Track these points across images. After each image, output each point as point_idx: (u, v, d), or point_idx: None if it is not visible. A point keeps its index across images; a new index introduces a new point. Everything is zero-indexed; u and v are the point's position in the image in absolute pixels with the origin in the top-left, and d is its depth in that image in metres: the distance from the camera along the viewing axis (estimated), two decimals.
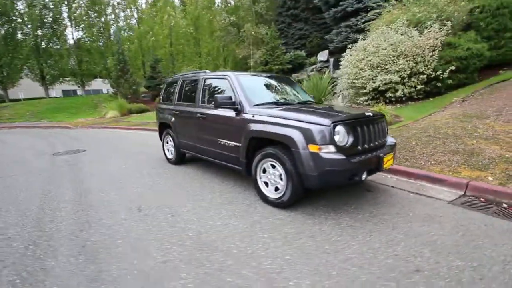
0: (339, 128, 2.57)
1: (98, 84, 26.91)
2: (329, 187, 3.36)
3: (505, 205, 2.95)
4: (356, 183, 3.01)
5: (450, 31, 7.80)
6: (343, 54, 10.16)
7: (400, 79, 7.88)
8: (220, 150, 3.68)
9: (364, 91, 8.62)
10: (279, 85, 4.01)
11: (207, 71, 4.36)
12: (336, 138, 2.54)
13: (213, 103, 3.76)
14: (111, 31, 23.37)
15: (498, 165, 3.59)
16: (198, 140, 4.13)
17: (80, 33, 24.16)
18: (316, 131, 2.55)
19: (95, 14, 23.20)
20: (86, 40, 23.88)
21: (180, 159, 4.93)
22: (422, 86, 7.78)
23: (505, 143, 4.20)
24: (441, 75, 7.55)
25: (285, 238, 2.38)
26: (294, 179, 2.72)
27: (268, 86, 3.78)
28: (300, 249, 2.21)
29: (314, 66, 17.69)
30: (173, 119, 4.73)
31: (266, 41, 17.97)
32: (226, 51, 22.78)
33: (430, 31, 7.90)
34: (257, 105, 3.31)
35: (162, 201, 3.31)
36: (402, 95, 8.02)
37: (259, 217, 2.78)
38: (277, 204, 2.95)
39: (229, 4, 22.44)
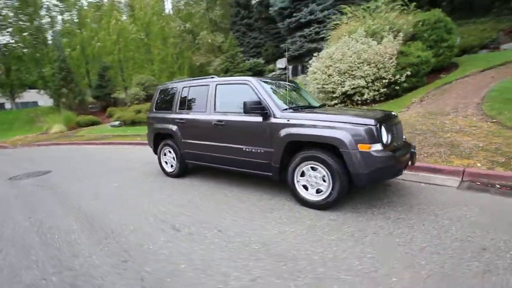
0: (383, 127, 2.75)
1: (31, 95, 23.19)
2: (374, 184, 3.51)
3: (498, 186, 3.51)
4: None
5: (401, 41, 8.95)
6: (310, 61, 10.75)
7: (366, 83, 8.71)
8: (246, 157, 3.55)
9: (334, 95, 9.26)
10: (291, 90, 4.07)
11: (215, 76, 4.19)
12: (383, 136, 2.71)
13: (232, 109, 3.67)
14: (48, 36, 20.51)
15: (479, 153, 4.24)
16: (212, 149, 3.91)
17: (7, 38, 20.59)
18: (365, 130, 2.67)
19: (26, 17, 20.02)
20: (15, 46, 20.44)
21: (183, 171, 4.59)
22: (384, 89, 8.73)
23: (473, 135, 4.98)
24: (399, 79, 8.59)
25: (352, 237, 2.42)
26: (342, 179, 2.79)
27: (282, 91, 3.80)
28: (375, 246, 2.27)
29: (273, 73, 18.34)
30: (174, 128, 4.39)
31: (226, 48, 17.99)
32: (182, 58, 22.08)
33: (387, 41, 8.93)
34: (286, 109, 3.32)
35: (194, 216, 3.04)
36: (368, 98, 8.87)
37: (311, 221, 2.77)
38: (320, 206, 2.98)
39: (181, 11, 21.88)
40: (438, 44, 9.61)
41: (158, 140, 4.85)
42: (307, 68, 16.29)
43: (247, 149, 3.50)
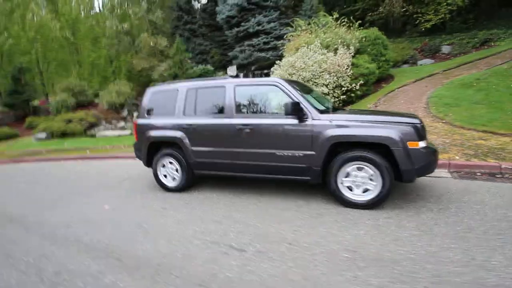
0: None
1: None
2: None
3: (479, 173, 4.21)
4: None
5: (352, 54, 10.06)
6: (272, 69, 11.04)
7: (328, 90, 9.42)
8: (279, 162, 3.35)
9: None
10: (310, 92, 4.02)
11: (227, 76, 3.86)
12: (426, 134, 2.94)
13: (259, 111, 3.45)
14: None
15: (451, 148, 5.02)
16: (235, 156, 3.56)
17: None
18: (414, 129, 2.85)
19: None
20: None
21: (189, 184, 4.05)
22: (343, 96, 9.60)
23: (435, 133, 5.88)
24: (354, 87, 9.59)
25: (422, 231, 2.52)
26: (391, 177, 2.90)
27: (306, 93, 3.75)
28: (447, 236, 2.40)
29: None
30: (180, 135, 3.84)
31: (173, 53, 16.98)
32: (117, 62, 19.87)
33: (341, 53, 9.89)
34: (322, 110, 3.29)
35: (245, 232, 2.69)
36: None
37: (370, 221, 2.77)
38: (367, 205, 3.03)
39: (115, 9, 19.77)
40: (378, 57, 11.14)
41: (153, 150, 4.17)
42: (263, 76, 16.71)
43: (282, 154, 3.31)
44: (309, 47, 10.36)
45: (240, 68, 19.40)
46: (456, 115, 6.52)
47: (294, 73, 9.88)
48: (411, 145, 2.82)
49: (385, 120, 2.98)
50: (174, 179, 4.11)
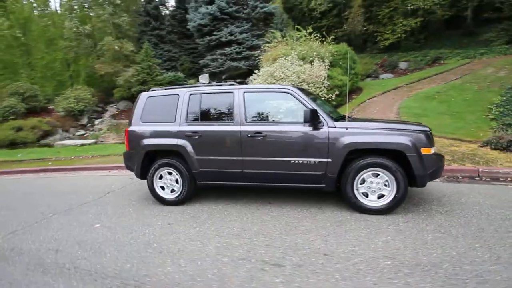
0: None
1: None
2: None
3: (460, 177, 4.61)
4: None
5: (327, 66, 10.57)
6: (250, 78, 11.09)
7: None
8: (293, 170, 3.28)
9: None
10: (316, 100, 4.03)
11: (235, 83, 3.73)
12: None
13: (270, 119, 3.38)
14: None
15: None
16: (245, 164, 3.40)
17: None
18: (425, 136, 3.01)
19: None
20: None
21: (190, 196, 3.75)
22: None
23: None
24: (330, 98, 10.04)
25: (445, 233, 2.62)
26: (405, 182, 3.01)
27: (314, 101, 3.75)
28: (471, 237, 2.53)
29: None
30: (182, 143, 3.56)
31: (141, 58, 16.16)
32: (76, 65, 18.32)
33: (317, 65, 10.33)
34: (336, 118, 3.33)
35: (274, 245, 2.54)
36: None
37: (391, 227, 2.82)
38: (382, 211, 3.09)
39: (74, 11, 18.34)
40: (348, 71, 11.86)
41: (148, 161, 3.81)
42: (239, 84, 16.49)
43: (297, 161, 3.25)
44: (286, 58, 10.65)
45: (211, 76, 19.20)
46: (427, 124, 7.15)
47: (273, 83, 10.02)
48: (424, 151, 2.97)
49: (399, 128, 3.11)
50: (172, 191, 3.78)
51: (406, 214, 3.09)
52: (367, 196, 3.16)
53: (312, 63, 10.48)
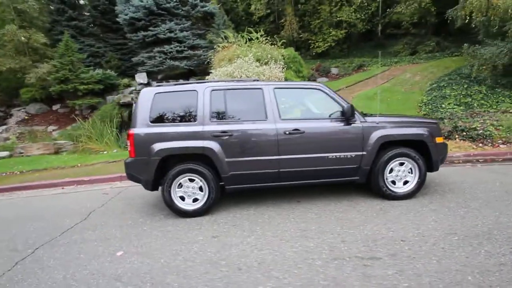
0: None
1: None
2: None
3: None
4: None
5: (284, 68, 11.06)
6: (207, 78, 10.65)
7: None
8: (330, 165, 3.32)
9: None
10: None
11: (258, 79, 3.51)
12: None
13: (304, 115, 3.36)
14: None
15: None
16: (281, 163, 3.24)
17: None
18: (437, 127, 3.50)
19: None
20: None
21: (213, 204, 3.35)
22: None
23: None
24: None
25: (474, 208, 3.05)
26: (425, 168, 3.43)
27: None
28: (497, 212, 3.03)
29: (132, 88, 15.87)
30: (211, 145, 3.15)
31: (60, 52, 13.47)
32: None
33: (274, 67, 10.69)
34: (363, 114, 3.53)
35: (348, 241, 2.51)
36: None
37: (427, 208, 3.16)
38: (406, 196, 3.44)
39: None
40: (297, 74, 12.70)
41: (162, 167, 3.23)
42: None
43: (333, 156, 3.31)
44: (244, 59, 10.64)
45: (150, 75, 17.46)
46: None
47: None
48: (438, 140, 3.45)
49: (418, 121, 3.55)
50: (195, 200, 3.30)
51: (430, 197, 3.49)
52: (394, 184, 3.46)
53: (267, 65, 10.78)
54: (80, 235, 3.06)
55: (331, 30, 18.26)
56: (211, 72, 10.74)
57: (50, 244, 2.87)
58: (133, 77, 17.22)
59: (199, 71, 18.29)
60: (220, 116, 3.27)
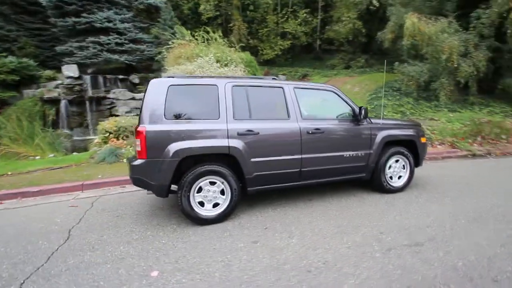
0: None
1: None
2: None
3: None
4: None
5: (244, 71, 11.10)
6: (163, 75, 9.86)
7: None
8: (345, 163, 3.49)
9: None
10: None
11: (276, 78, 3.43)
12: None
13: (321, 115, 3.49)
14: None
15: None
16: (303, 163, 3.24)
17: None
18: (421, 129, 4.06)
19: None
20: None
21: (234, 209, 3.11)
22: None
23: None
24: None
25: (460, 195, 3.68)
26: (413, 164, 3.94)
27: None
28: (490, 197, 3.71)
29: (58, 82, 13.42)
30: (236, 144, 2.92)
31: None
32: None
33: (235, 69, 10.63)
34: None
35: (386, 233, 2.68)
36: None
37: (421, 199, 3.63)
38: (401, 189, 3.89)
39: None
40: None
41: (179, 169, 2.83)
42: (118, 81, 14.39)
43: (349, 155, 3.49)
44: (204, 58, 10.27)
45: (82, 68, 15.01)
46: None
47: None
48: (422, 140, 4.02)
49: (408, 124, 4.04)
50: (215, 205, 3.00)
51: (412, 190, 4.01)
52: (392, 179, 3.86)
53: (228, 66, 10.65)
54: (77, 258, 2.41)
55: (278, 39, 19.23)
56: (165, 69, 9.98)
57: (39, 276, 2.16)
58: (57, 69, 14.60)
59: (142, 67, 16.81)
60: (243, 113, 3.08)
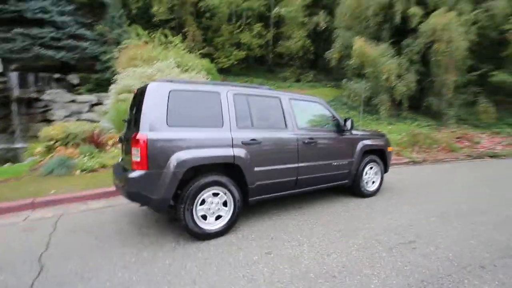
0: None
1: None
2: None
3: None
4: None
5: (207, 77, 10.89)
6: (117, 77, 9.10)
7: None
8: (332, 171, 3.73)
9: None
10: None
11: (270, 88, 3.48)
12: None
13: (313, 125, 3.72)
14: None
15: None
16: (300, 171, 3.35)
17: None
18: (387, 139, 4.60)
19: None
20: None
21: (236, 220, 3.01)
22: None
23: None
24: None
25: (430, 193, 4.24)
26: (383, 171, 4.43)
27: None
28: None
29: None
30: (241, 152, 2.86)
31: None
32: None
33: (196, 75, 10.37)
34: None
35: (396, 231, 2.94)
36: None
37: (393, 201, 4.09)
38: (375, 193, 4.33)
39: None
40: None
41: (182, 181, 2.63)
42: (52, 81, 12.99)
43: (336, 163, 3.74)
44: (164, 62, 9.79)
45: (6, 63, 12.61)
46: None
47: None
48: (389, 149, 4.55)
49: (378, 134, 4.52)
50: (218, 218, 2.86)
51: (383, 194, 4.49)
52: (367, 184, 4.26)
53: (188, 72, 10.35)
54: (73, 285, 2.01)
55: (233, 49, 19.48)
56: (117, 71, 9.19)
57: None
58: None
59: (83, 67, 15.02)
60: (246, 122, 3.04)
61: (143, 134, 2.49)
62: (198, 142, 2.69)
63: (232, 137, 2.87)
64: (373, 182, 4.35)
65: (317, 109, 3.84)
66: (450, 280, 2.10)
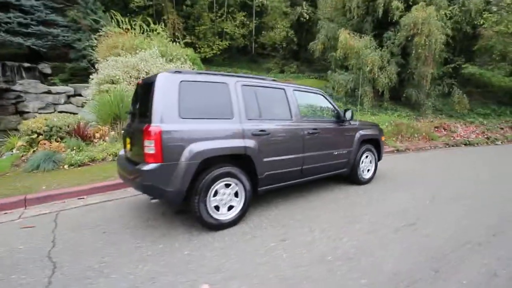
0: None
1: None
2: None
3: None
4: None
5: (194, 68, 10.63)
6: (98, 66, 8.67)
7: None
8: (333, 160, 3.86)
9: None
10: None
11: (275, 79, 3.48)
12: None
13: (315, 116, 3.80)
14: None
15: None
16: (305, 161, 3.44)
17: None
18: (381, 130, 4.81)
19: None
20: None
21: (247, 210, 3.06)
22: None
23: None
24: None
25: (423, 183, 4.51)
26: (377, 160, 4.66)
27: None
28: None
29: None
30: (252, 144, 2.88)
31: None
32: None
33: (182, 65, 10.10)
34: None
35: (398, 216, 3.13)
36: None
37: (398, 191, 4.33)
38: (370, 180, 4.55)
39: None
40: None
41: (196, 172, 2.61)
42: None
43: (337, 152, 3.87)
44: (147, 51, 9.42)
45: None
46: None
47: (137, 76, 8.58)
48: (382, 138, 4.77)
49: (373, 124, 4.71)
50: (230, 208, 2.89)
51: (377, 181, 4.72)
52: (363, 172, 4.46)
53: (173, 62, 10.05)
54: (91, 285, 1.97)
55: (216, 39, 19.07)
56: (97, 60, 8.74)
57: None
58: None
59: (55, 56, 14.07)
60: (254, 113, 3.05)
61: (156, 126, 2.43)
62: (211, 134, 2.68)
63: (243, 129, 2.88)
64: (368, 170, 4.56)
65: (318, 100, 3.93)
66: (455, 256, 2.31)
